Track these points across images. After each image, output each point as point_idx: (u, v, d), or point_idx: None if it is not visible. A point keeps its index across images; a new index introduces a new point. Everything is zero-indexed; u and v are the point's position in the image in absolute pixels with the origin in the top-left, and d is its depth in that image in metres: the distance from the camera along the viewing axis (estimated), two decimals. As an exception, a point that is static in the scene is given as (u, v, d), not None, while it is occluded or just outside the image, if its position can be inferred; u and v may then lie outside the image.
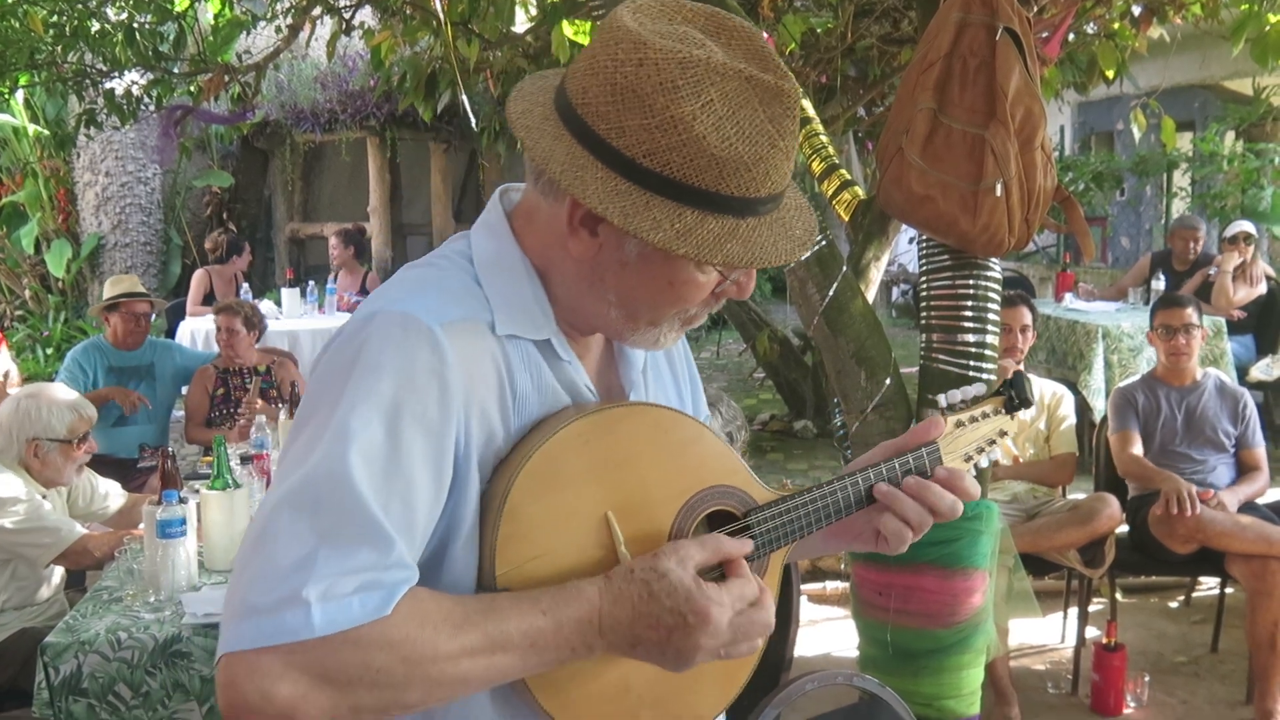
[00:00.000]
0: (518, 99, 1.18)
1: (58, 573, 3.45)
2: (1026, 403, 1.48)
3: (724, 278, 1.17)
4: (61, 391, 3.68)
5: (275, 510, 1.02)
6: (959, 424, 1.44)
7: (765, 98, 1.09)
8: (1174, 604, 4.94)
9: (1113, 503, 3.99)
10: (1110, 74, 4.61)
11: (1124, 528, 4.16)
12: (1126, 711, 3.95)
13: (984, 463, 1.46)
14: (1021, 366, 4.40)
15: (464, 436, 1.10)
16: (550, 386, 1.19)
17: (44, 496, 3.41)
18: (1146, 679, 4.03)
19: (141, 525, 3.07)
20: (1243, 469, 4.22)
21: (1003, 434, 1.49)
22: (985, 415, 1.46)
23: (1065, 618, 4.54)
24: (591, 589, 1.10)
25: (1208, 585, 4.86)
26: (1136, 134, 4.81)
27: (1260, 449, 4.24)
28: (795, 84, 1.12)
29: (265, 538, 1.01)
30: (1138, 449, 4.19)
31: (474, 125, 5.95)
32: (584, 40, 4.50)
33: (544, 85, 1.19)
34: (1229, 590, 4.40)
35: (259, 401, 4.99)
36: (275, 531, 1.01)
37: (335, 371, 1.08)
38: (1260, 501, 4.20)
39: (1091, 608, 4.25)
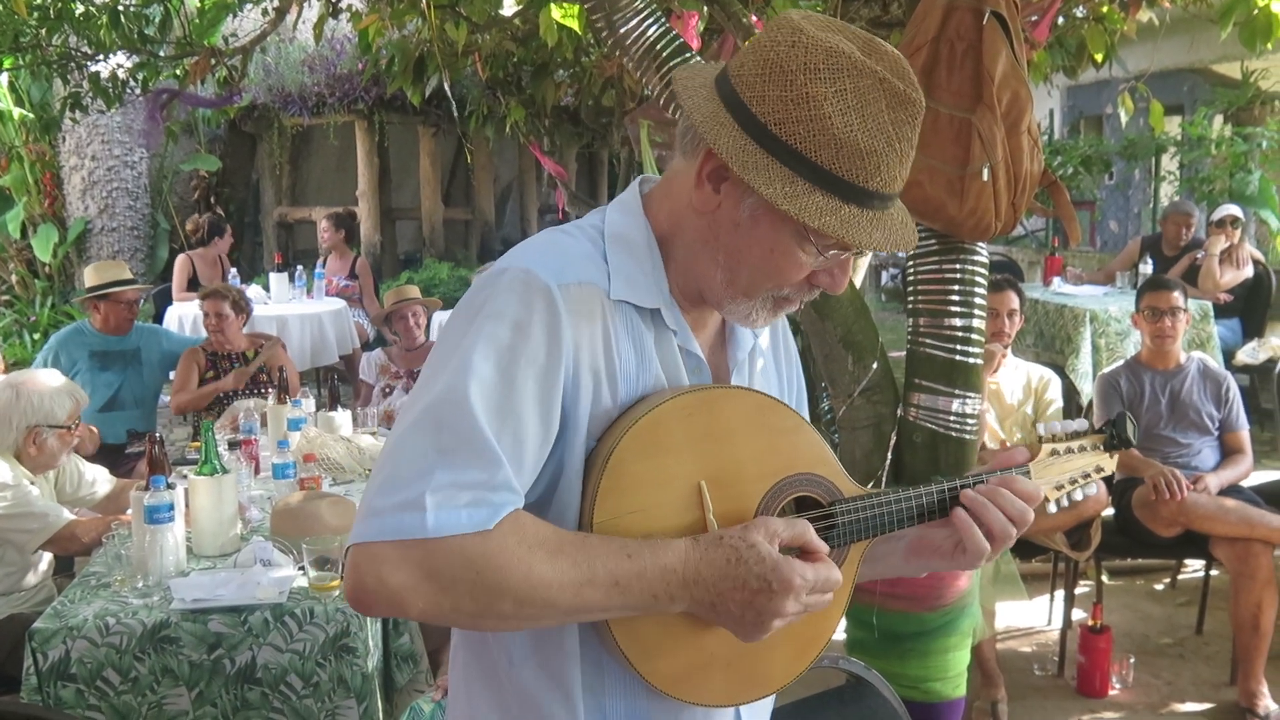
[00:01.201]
0: (687, 70, 1.33)
1: (45, 559, 3.44)
2: (1128, 443, 1.52)
3: (821, 255, 1.25)
4: (53, 377, 3.67)
5: (405, 429, 1.16)
6: (1054, 452, 1.49)
7: (893, 101, 1.21)
8: (1159, 586, 4.97)
9: (1099, 486, 4.01)
10: (1099, 58, 4.61)
11: (1110, 511, 4.18)
12: (1112, 693, 3.98)
13: (1078, 495, 1.51)
14: (1009, 351, 4.41)
15: (571, 387, 1.22)
16: (649, 352, 1.29)
17: (31, 483, 3.40)
18: (1132, 661, 4.06)
19: (129, 511, 3.07)
20: (1226, 452, 4.24)
21: (1099, 470, 1.52)
22: (1083, 449, 1.51)
23: (1051, 600, 4.57)
24: (680, 544, 1.20)
25: (1192, 568, 4.90)
26: (1125, 118, 4.82)
27: (1244, 431, 4.27)
28: (923, 100, 1.24)
29: (395, 451, 1.15)
30: (1123, 437, 4.20)
31: (455, 113, 5.93)
32: (572, 23, 4.48)
33: (713, 67, 1.33)
34: (1213, 573, 4.43)
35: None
36: (403, 446, 1.15)
37: (464, 315, 1.22)
38: (1244, 484, 4.23)
39: (1077, 590, 4.27)
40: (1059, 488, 1.49)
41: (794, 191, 1.19)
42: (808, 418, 1.53)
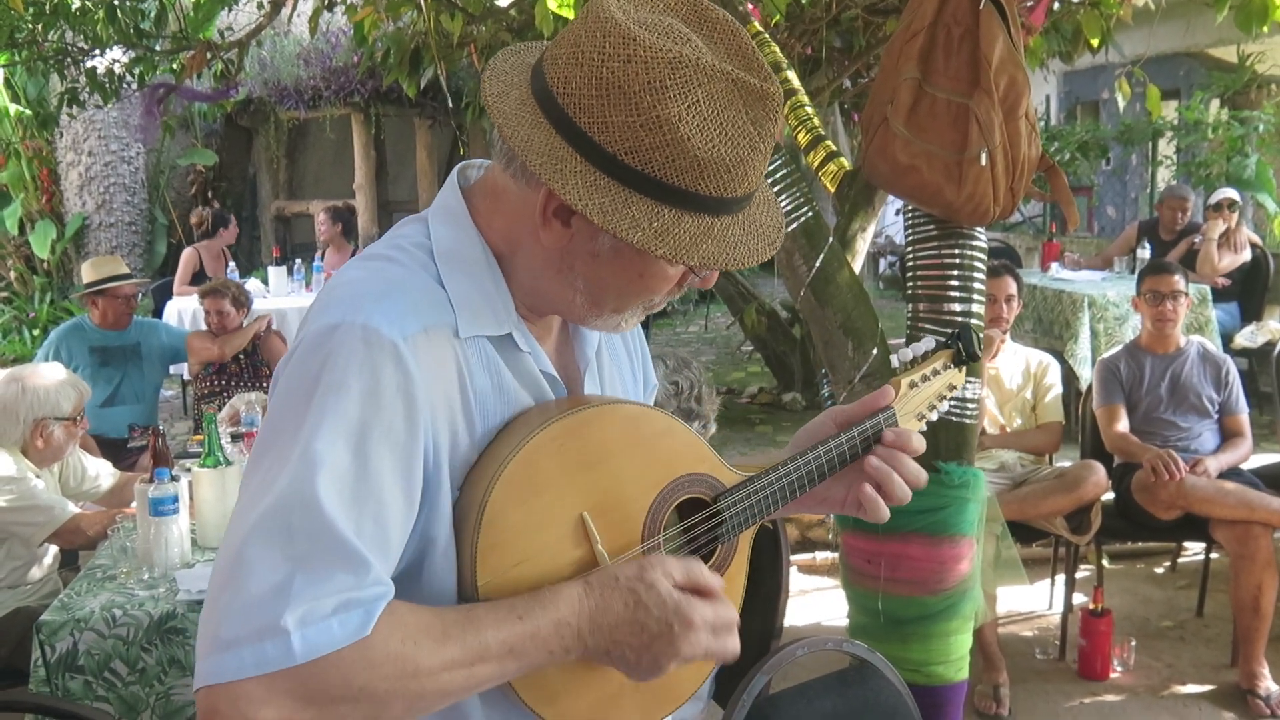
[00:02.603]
0: (493, 79, 1.16)
1: (51, 552, 3.45)
2: (974, 356, 1.51)
3: (692, 270, 1.18)
4: (56, 370, 3.67)
5: (245, 540, 1.01)
6: (912, 384, 1.48)
7: (749, 100, 1.09)
8: (1159, 570, 4.99)
9: (1099, 470, 4.02)
10: (1095, 42, 4.61)
11: (1110, 495, 4.20)
12: (1113, 676, 4.00)
13: (934, 417, 1.51)
14: (1008, 336, 4.42)
15: (432, 448, 1.11)
16: (510, 385, 1.19)
17: (36, 476, 3.41)
18: (1132, 643, 4.08)
19: (133, 504, 3.08)
20: (1226, 435, 4.25)
21: (952, 388, 1.53)
22: (936, 372, 1.50)
23: (1052, 584, 4.59)
24: (571, 591, 1.11)
25: (1193, 551, 4.92)
26: (1121, 103, 4.82)
27: (1243, 415, 4.28)
28: (778, 86, 1.12)
29: (238, 568, 1.00)
30: (1123, 424, 4.22)
31: (450, 105, 5.93)
32: (568, 13, 4.48)
33: (519, 63, 1.17)
34: (1214, 556, 4.45)
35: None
36: (248, 560, 1.00)
37: (298, 390, 1.06)
38: (1244, 467, 4.24)
39: (1078, 574, 4.29)
40: (920, 417, 1.50)
41: (662, 226, 1.08)
42: (653, 387, 1.51)
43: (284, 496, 1.01)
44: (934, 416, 1.51)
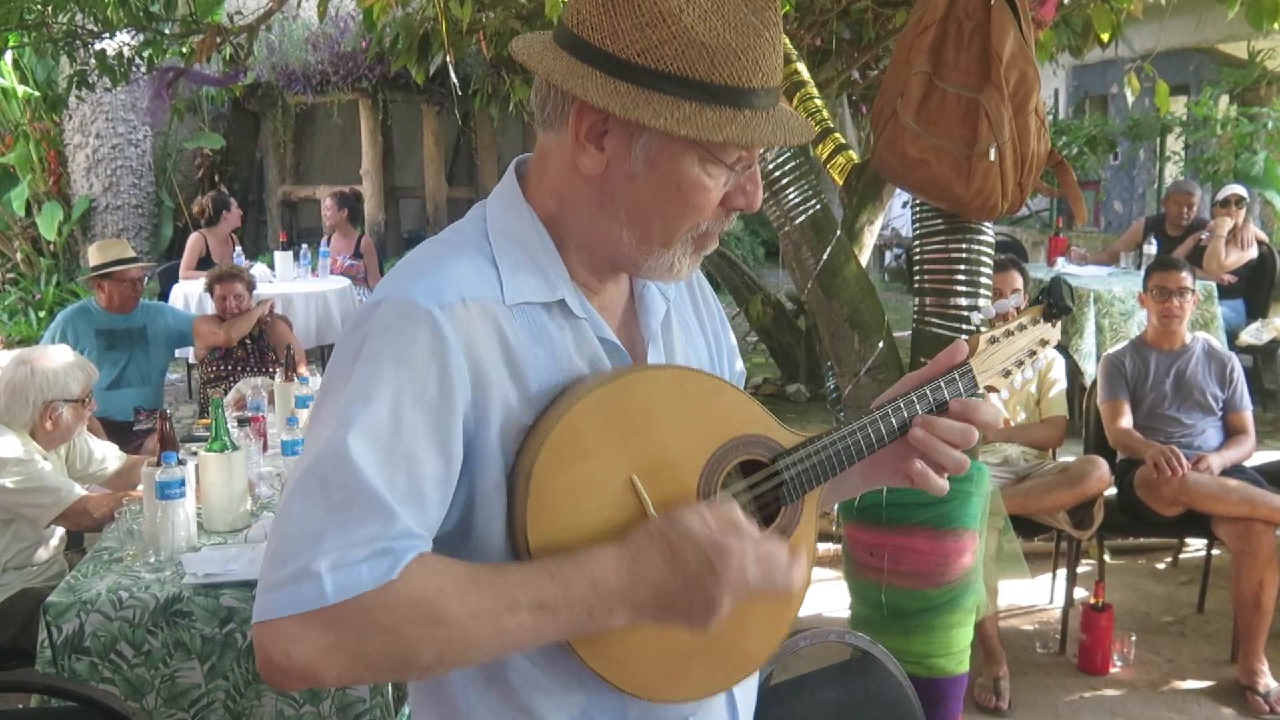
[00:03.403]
0: (521, 40, 1.24)
1: (57, 534, 3.47)
2: (1066, 309, 1.45)
3: (730, 170, 1.19)
4: (64, 352, 3.69)
5: (290, 494, 1.10)
6: (993, 340, 1.42)
7: None
8: (1161, 565, 4.99)
9: (1102, 465, 4.03)
10: (1105, 37, 4.59)
11: (1112, 490, 4.20)
12: (1113, 670, 4.01)
13: (1028, 373, 1.47)
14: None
15: (475, 413, 1.15)
16: (564, 352, 1.22)
17: (44, 458, 3.42)
18: (1133, 638, 4.09)
19: (140, 487, 3.09)
20: (1230, 432, 4.25)
21: (1044, 343, 1.46)
22: (1022, 327, 1.44)
23: (1054, 578, 4.59)
24: (606, 551, 1.13)
25: (1194, 547, 4.92)
26: (1130, 98, 4.81)
27: (1247, 412, 4.28)
28: None
29: (283, 518, 1.09)
30: (1127, 420, 4.23)
31: (457, 93, 5.92)
32: (578, 2, 4.49)
33: (545, 34, 1.25)
34: (1215, 552, 4.45)
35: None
36: (290, 512, 1.09)
37: (344, 360, 1.15)
38: (1247, 464, 4.25)
39: (1080, 569, 4.30)
40: (1006, 374, 1.42)
41: (685, 115, 1.13)
42: (741, 375, 1.49)
43: (322, 453, 1.10)
44: (1026, 374, 1.47)
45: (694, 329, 1.42)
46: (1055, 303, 1.45)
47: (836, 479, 1.33)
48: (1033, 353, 1.45)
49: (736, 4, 1.14)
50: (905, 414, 1.33)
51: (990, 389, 1.43)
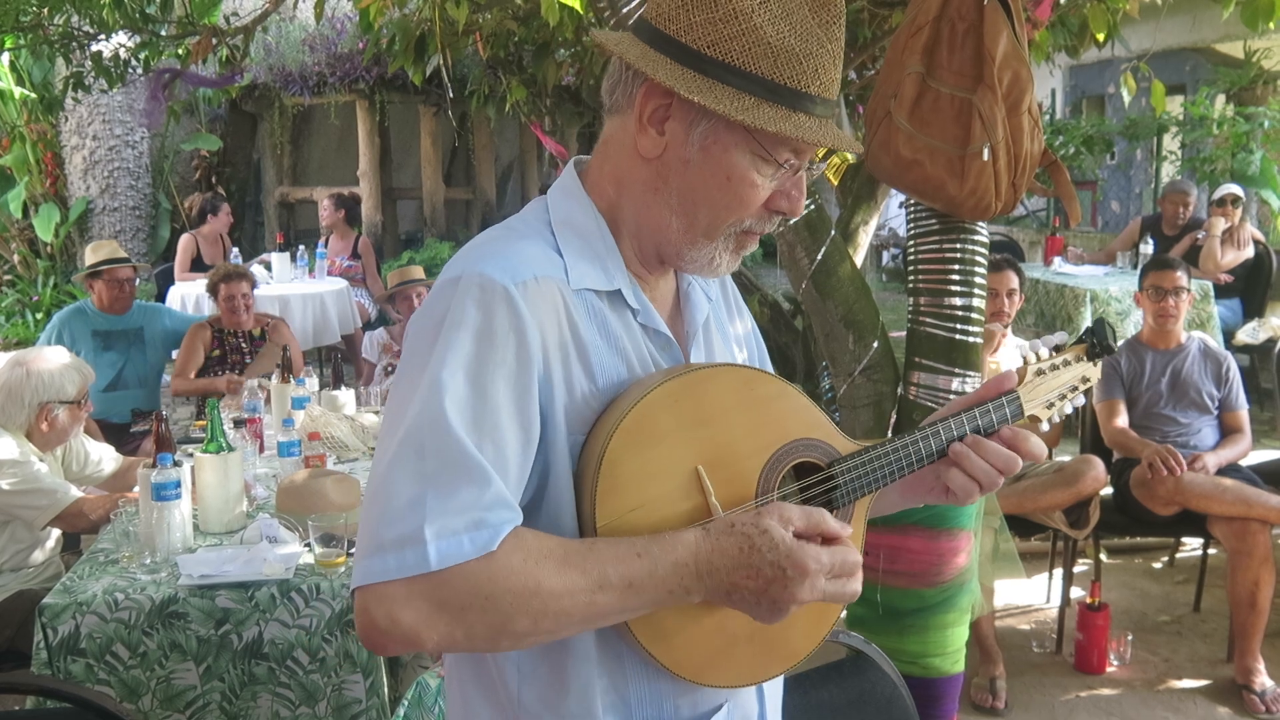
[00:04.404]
0: (602, 31, 1.35)
1: (53, 535, 3.47)
2: (1109, 349, 1.53)
3: (780, 167, 1.26)
4: (61, 354, 3.69)
5: (389, 463, 1.14)
6: (1039, 372, 1.50)
7: (814, 3, 1.24)
8: (1157, 565, 5.00)
9: (1098, 465, 4.03)
10: (1101, 37, 4.59)
11: (1109, 490, 4.21)
12: (1109, 670, 4.01)
13: (1068, 409, 1.53)
14: (1009, 330, 4.43)
15: (545, 386, 1.21)
16: (618, 338, 1.29)
17: (40, 460, 3.42)
18: (1129, 638, 4.10)
19: (135, 488, 3.10)
20: (1226, 431, 4.26)
21: (1085, 380, 1.54)
22: (1066, 363, 1.53)
23: (1050, 578, 4.60)
24: (689, 536, 1.19)
25: (1190, 546, 4.93)
26: (1127, 98, 4.81)
27: (1243, 411, 4.29)
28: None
29: (383, 484, 1.14)
30: (1123, 419, 4.23)
31: (450, 94, 5.92)
32: (573, 2, 4.49)
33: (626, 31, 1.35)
34: (1211, 551, 4.46)
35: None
36: (390, 478, 1.14)
37: (425, 333, 1.20)
38: (1243, 463, 4.25)
39: (1076, 568, 4.30)
40: (1049, 405, 1.51)
41: (744, 105, 1.21)
42: (769, 368, 1.55)
43: (416, 420, 1.14)
44: (1068, 408, 1.53)
45: (728, 332, 1.50)
46: (1099, 343, 1.54)
47: (882, 491, 1.40)
48: (1074, 388, 1.53)
49: (805, 15, 1.23)
50: (955, 432, 1.42)
51: (1034, 419, 1.52)
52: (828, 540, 1.23)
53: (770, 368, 1.58)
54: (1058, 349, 1.53)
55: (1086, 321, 6.39)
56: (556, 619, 1.15)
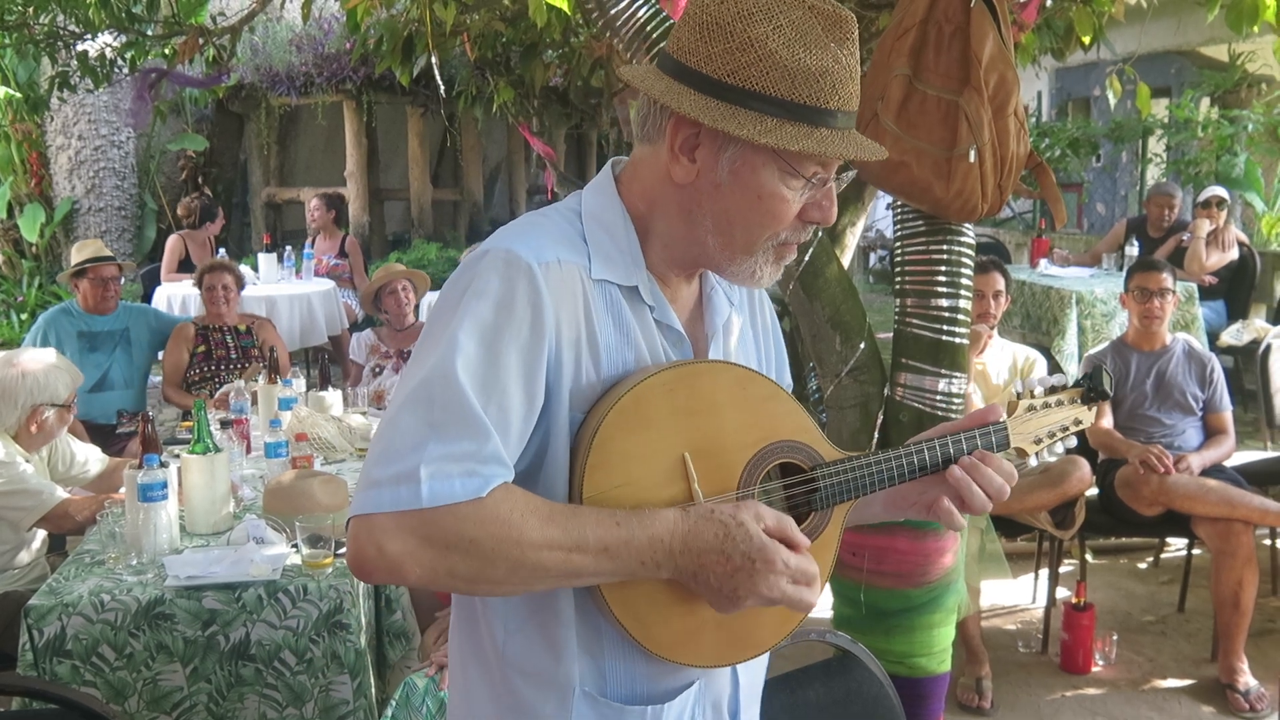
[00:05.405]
0: (629, 68, 1.43)
1: (39, 537, 3.46)
2: (1104, 394, 1.56)
3: (808, 182, 1.31)
4: (50, 355, 3.67)
5: (400, 406, 1.22)
6: (1030, 407, 1.54)
7: (826, 23, 1.29)
8: (1142, 565, 5.03)
9: (1083, 466, 4.05)
10: (1087, 40, 4.62)
11: (1094, 490, 4.23)
12: (1095, 669, 4.03)
13: (1059, 449, 1.56)
14: (995, 332, 4.44)
15: (554, 362, 1.28)
16: (631, 330, 1.35)
17: (26, 460, 3.41)
18: (1114, 638, 4.11)
19: (122, 489, 3.09)
20: (1210, 432, 4.29)
21: (1078, 423, 1.56)
22: (1060, 403, 1.55)
23: (1036, 578, 4.62)
24: (669, 514, 1.26)
25: (1175, 547, 4.96)
26: (1112, 100, 4.84)
27: (1227, 412, 4.32)
28: (851, 14, 1.31)
29: (390, 426, 1.22)
30: (1108, 420, 4.26)
31: (442, 94, 5.91)
32: (561, 3, 4.49)
33: (651, 64, 1.41)
34: (1195, 551, 4.48)
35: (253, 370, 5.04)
36: (397, 421, 1.21)
37: (450, 298, 1.28)
38: (1227, 464, 4.28)
39: (1062, 569, 4.32)
40: (1037, 442, 1.54)
41: (767, 128, 1.26)
42: (789, 388, 1.58)
43: (430, 373, 1.22)
44: (1058, 448, 1.55)
45: (749, 337, 1.55)
46: (1094, 388, 1.56)
47: (865, 500, 1.47)
48: (1065, 428, 1.56)
49: (819, 34, 1.28)
50: (939, 453, 1.47)
51: (1020, 451, 1.55)
52: (791, 548, 1.28)
53: (788, 372, 1.64)
54: (1054, 389, 1.56)
55: (1072, 323, 6.42)
56: (533, 570, 1.21)
